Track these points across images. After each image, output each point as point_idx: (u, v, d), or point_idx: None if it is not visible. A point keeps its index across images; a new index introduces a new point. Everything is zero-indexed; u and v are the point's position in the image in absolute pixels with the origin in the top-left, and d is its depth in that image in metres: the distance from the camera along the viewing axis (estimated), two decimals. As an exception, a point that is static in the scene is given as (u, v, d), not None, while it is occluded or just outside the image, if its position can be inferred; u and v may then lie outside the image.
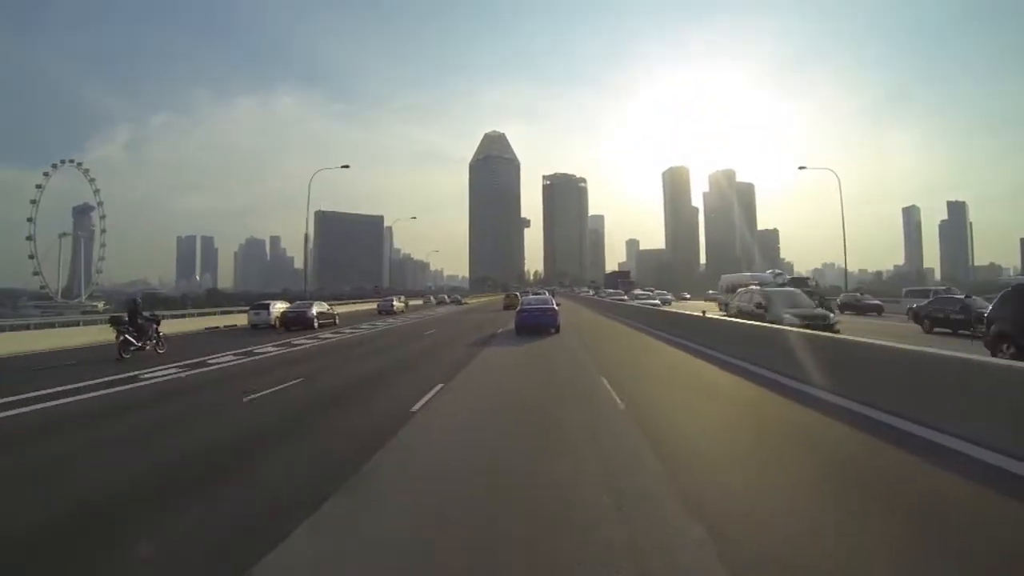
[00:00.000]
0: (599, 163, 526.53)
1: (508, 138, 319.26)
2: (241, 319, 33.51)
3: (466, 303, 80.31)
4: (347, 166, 54.52)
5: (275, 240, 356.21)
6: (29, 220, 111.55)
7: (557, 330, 21.62)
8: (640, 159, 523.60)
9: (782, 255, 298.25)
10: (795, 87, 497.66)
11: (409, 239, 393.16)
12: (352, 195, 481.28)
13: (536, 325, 21.59)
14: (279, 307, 31.53)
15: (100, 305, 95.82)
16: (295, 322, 28.67)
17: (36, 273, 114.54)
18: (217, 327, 32.27)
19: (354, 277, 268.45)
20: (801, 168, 49.50)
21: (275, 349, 19.39)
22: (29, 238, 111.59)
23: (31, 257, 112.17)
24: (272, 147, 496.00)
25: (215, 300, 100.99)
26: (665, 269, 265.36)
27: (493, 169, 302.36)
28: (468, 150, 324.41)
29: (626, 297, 58.02)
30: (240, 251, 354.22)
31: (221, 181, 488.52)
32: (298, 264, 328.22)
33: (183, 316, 34.53)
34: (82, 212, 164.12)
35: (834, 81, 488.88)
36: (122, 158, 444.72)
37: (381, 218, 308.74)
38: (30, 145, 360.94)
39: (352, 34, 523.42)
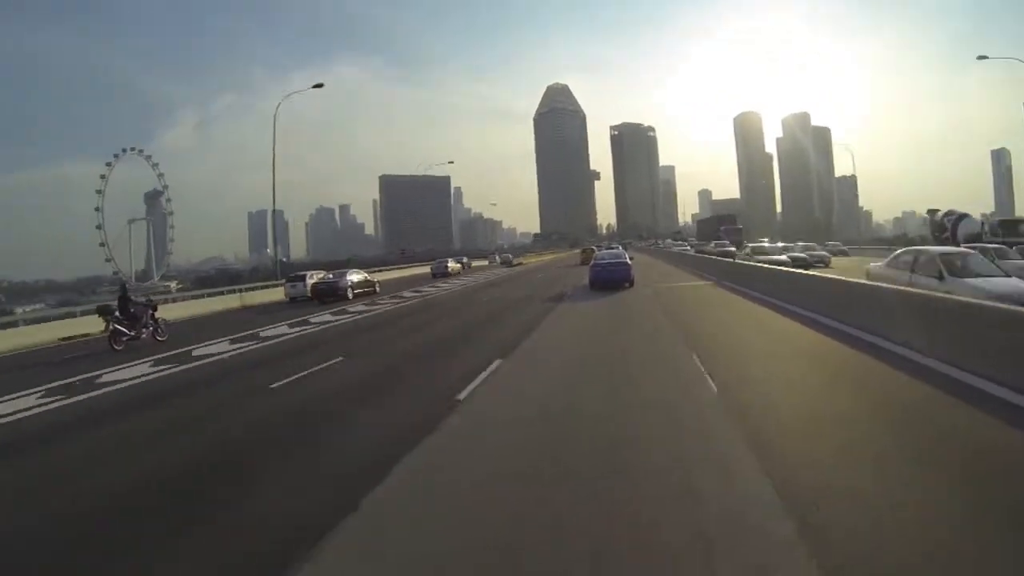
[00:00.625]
0: (667, 112, 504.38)
1: (572, 90, 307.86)
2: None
3: (520, 263, 66.51)
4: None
5: (344, 208, 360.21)
6: (96, 210, 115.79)
7: (631, 284, 21.13)
8: (709, 106, 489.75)
9: (860, 203, 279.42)
10: (870, 23, 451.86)
11: (479, 198, 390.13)
12: (419, 158, 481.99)
13: (610, 280, 21.17)
14: (317, 278, 29.06)
15: (173, 285, 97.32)
16: (326, 294, 26.09)
17: (108, 260, 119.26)
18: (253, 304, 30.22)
19: (424, 239, 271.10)
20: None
21: (282, 331, 16.72)
22: (99, 227, 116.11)
23: (102, 245, 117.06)
24: (337, 118, 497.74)
25: (284, 271, 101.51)
26: (741, 220, 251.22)
27: (558, 122, 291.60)
28: (533, 105, 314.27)
29: (733, 250, 38.77)
30: (311, 221, 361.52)
31: (288, 155, 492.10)
32: (368, 230, 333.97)
33: (221, 293, 32.57)
34: (153, 197, 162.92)
35: (912, 16, 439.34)
36: (191, 142, 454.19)
37: (448, 179, 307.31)
38: (104, 139, 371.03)
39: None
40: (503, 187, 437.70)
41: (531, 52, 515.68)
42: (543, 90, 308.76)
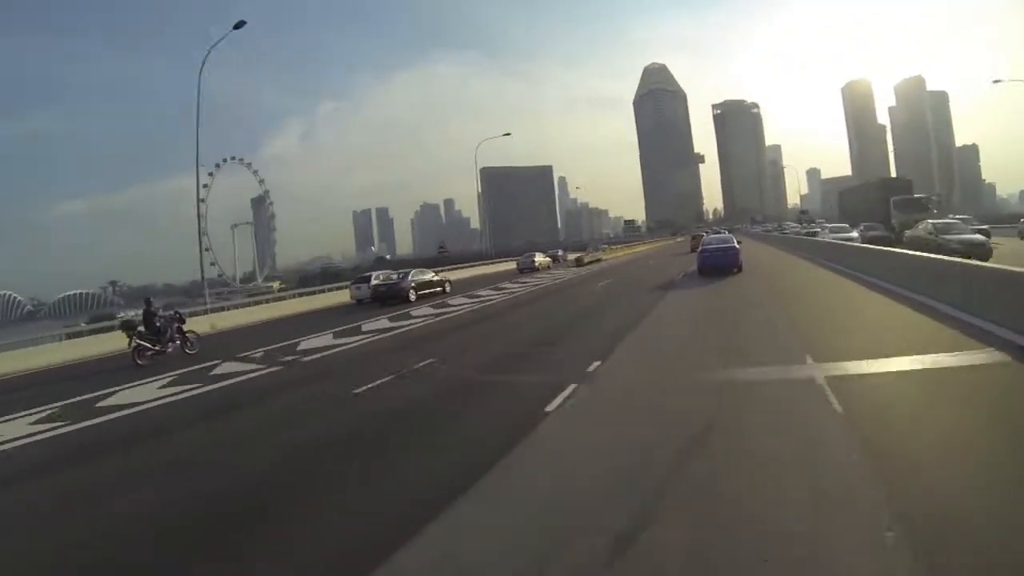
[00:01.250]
0: (770, 88, 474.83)
1: (670, 69, 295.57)
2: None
3: (601, 258, 49.71)
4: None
5: (449, 203, 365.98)
6: (200, 216, 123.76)
7: (739, 269, 21.23)
8: (815, 76, 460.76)
9: (983, 175, 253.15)
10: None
11: (585, 188, 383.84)
12: (519, 150, 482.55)
13: (717, 265, 21.45)
14: (381, 278, 27.41)
15: (276, 285, 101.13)
16: (388, 296, 24.24)
17: (213, 263, 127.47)
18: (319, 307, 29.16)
19: (527, 231, 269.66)
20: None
21: (325, 343, 14.64)
22: (203, 233, 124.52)
23: (207, 249, 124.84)
24: (433, 115, 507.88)
25: (381, 267, 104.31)
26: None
27: (658, 104, 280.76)
28: (632, 89, 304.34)
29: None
30: (416, 218, 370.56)
31: (389, 154, 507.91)
32: (474, 224, 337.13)
33: (295, 296, 31.76)
34: (258, 203, 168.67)
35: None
36: (297, 149, 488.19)
37: (550, 168, 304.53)
38: (216, 152, 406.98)
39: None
40: (608, 175, 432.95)
41: (625, 35, 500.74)
42: (640, 71, 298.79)
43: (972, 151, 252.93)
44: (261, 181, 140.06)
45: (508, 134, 46.07)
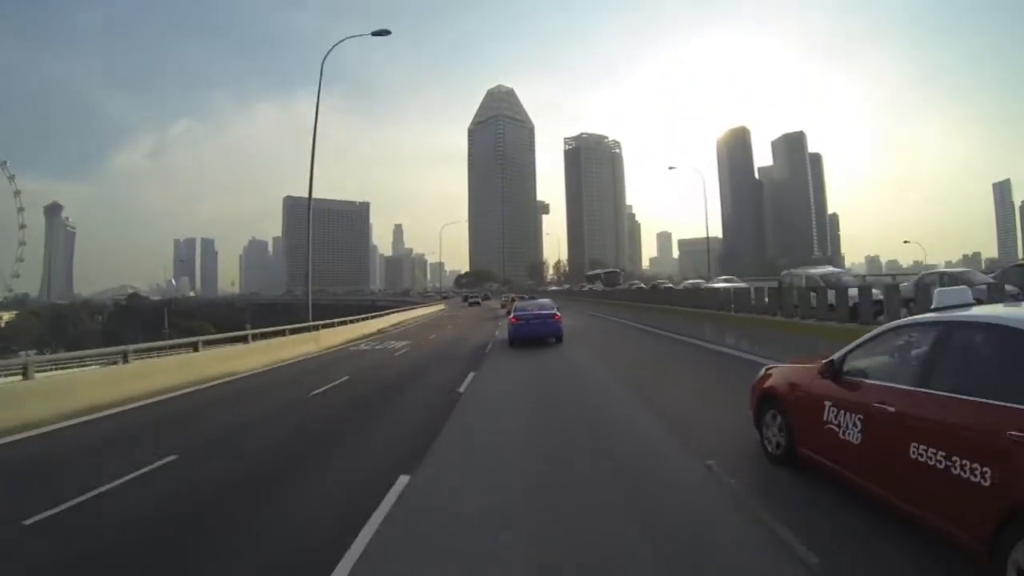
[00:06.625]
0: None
1: (518, 94, 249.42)
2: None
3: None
4: None
5: (278, 240, 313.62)
6: None
7: (559, 340, 19.18)
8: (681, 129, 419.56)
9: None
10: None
11: (413, 234, 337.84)
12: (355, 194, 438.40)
13: (533, 335, 19.20)
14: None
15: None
16: None
17: None
18: None
19: (333, 279, 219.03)
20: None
21: None
22: None
23: None
24: (282, 152, 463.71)
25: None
26: (728, 258, 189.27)
27: (499, 133, 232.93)
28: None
29: None
30: (244, 253, 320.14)
31: (231, 186, 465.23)
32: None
33: None
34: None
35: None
36: (142, 166, 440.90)
37: (366, 205, 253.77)
38: (52, 155, 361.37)
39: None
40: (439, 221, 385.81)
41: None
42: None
43: (833, 219, 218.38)
44: (16, 193, 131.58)
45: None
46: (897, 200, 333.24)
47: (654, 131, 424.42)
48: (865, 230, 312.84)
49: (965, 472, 3.14)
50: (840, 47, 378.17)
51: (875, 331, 4.70)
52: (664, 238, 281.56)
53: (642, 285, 54.47)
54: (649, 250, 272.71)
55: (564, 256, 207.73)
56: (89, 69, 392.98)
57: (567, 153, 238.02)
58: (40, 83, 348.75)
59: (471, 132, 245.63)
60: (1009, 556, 2.86)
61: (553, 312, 20.14)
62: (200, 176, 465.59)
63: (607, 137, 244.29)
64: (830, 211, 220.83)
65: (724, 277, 40.55)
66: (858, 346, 4.63)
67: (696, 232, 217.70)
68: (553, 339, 19.17)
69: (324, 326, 22.98)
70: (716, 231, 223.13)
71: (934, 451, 3.37)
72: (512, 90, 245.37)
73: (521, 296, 49.44)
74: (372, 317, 30.91)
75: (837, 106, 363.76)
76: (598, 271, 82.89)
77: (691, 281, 40.27)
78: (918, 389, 3.71)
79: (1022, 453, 2.88)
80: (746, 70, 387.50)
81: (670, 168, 65.82)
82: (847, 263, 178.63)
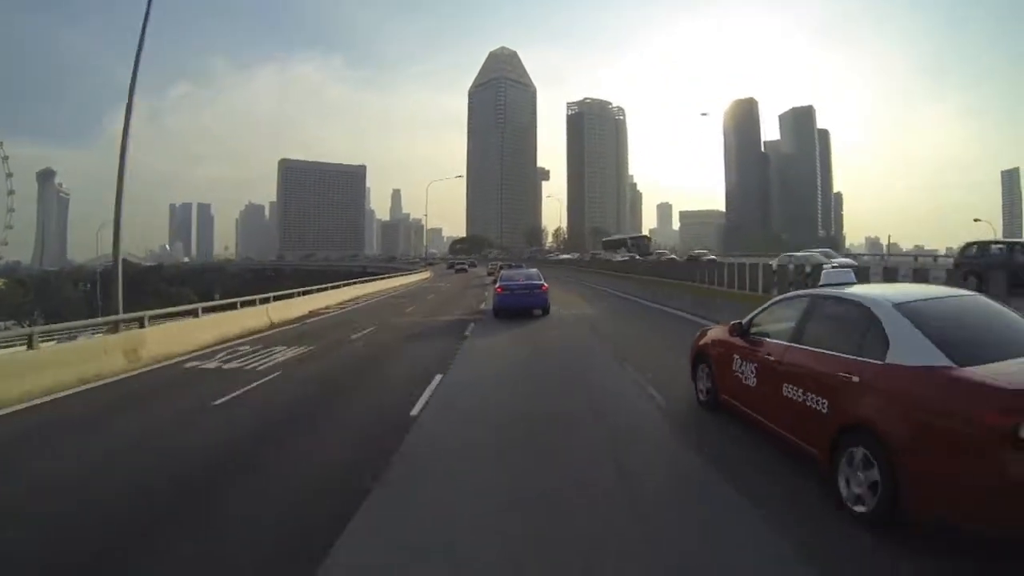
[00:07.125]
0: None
1: (521, 58, 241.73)
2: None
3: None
4: None
5: (275, 205, 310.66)
6: None
7: (545, 312, 18.79)
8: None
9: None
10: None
11: (411, 200, 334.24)
12: (356, 158, 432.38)
13: (519, 307, 18.75)
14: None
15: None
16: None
17: None
18: None
19: (327, 243, 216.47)
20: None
21: None
22: None
23: None
24: (287, 116, 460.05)
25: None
26: (732, 232, 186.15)
27: (500, 96, 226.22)
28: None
29: None
30: (240, 217, 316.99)
31: (229, 150, 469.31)
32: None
33: None
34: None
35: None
36: (139, 129, 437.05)
37: (363, 168, 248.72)
38: (47, 120, 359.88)
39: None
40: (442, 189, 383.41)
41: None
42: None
43: (838, 198, 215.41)
44: (5, 159, 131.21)
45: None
46: (900, 185, 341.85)
47: (659, 103, 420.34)
48: (867, 210, 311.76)
49: (814, 404, 4.42)
50: (853, 27, 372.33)
51: (770, 301, 6.23)
52: (664, 209, 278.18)
53: (674, 256, 48.42)
54: (649, 221, 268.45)
55: (564, 224, 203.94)
56: (84, 30, 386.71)
57: (570, 118, 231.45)
58: (33, 46, 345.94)
59: (471, 94, 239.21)
60: (839, 466, 4.00)
61: (540, 283, 19.96)
62: (198, 140, 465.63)
63: (611, 103, 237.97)
64: (835, 189, 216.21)
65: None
66: (759, 312, 5.99)
67: (698, 205, 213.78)
68: (539, 311, 18.83)
69: (277, 298, 19.85)
70: (720, 204, 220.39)
71: (796, 388, 4.69)
72: (515, 53, 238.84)
73: (509, 264, 48.38)
74: (318, 291, 25.07)
75: (846, 85, 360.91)
76: (623, 236, 76.30)
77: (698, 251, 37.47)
78: (792, 344, 5.04)
79: (846, 388, 4.11)
80: (755, 44, 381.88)
81: (703, 115, 61.00)
82: (847, 243, 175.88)
